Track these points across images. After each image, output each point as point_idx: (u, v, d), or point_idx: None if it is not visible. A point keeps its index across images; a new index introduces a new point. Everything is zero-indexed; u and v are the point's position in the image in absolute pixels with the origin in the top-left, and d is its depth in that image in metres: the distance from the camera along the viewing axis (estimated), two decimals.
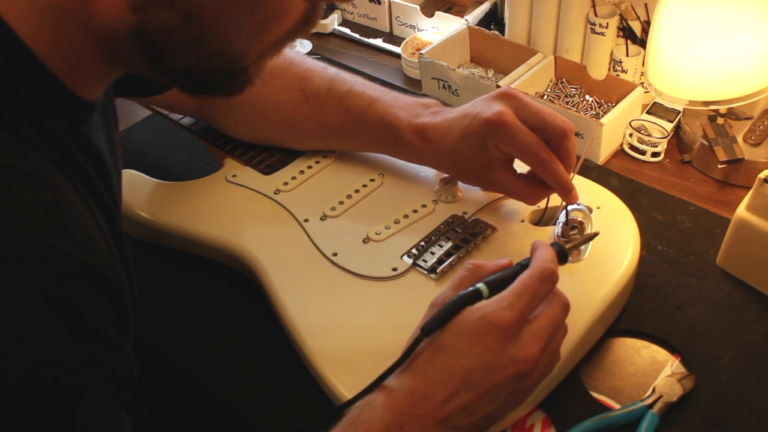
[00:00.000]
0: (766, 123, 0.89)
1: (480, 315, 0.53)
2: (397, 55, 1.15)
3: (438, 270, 0.69)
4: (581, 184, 0.77)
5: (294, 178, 0.80)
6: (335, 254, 0.72)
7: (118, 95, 0.70)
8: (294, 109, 0.79)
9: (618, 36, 0.97)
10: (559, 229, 0.71)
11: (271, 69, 0.78)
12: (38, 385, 0.38)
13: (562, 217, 0.71)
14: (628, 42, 0.97)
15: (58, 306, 0.39)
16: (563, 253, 0.59)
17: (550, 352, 0.55)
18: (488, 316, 0.52)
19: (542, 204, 0.74)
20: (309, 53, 1.16)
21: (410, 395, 0.52)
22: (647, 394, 0.64)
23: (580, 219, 0.69)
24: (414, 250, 0.71)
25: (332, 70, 0.80)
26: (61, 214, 0.42)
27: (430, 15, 1.16)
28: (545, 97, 1.00)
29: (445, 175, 0.78)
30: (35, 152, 0.43)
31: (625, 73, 0.97)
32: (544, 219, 0.75)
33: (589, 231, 0.70)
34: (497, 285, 0.55)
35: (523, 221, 0.74)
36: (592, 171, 0.86)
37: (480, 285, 0.55)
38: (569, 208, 0.70)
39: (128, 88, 0.73)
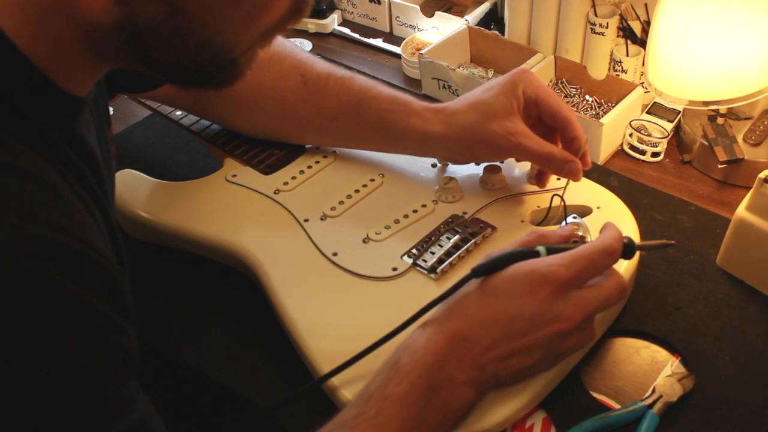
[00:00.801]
0: (766, 123, 0.89)
1: (534, 266, 0.54)
2: (397, 55, 1.15)
3: (438, 270, 0.69)
4: (581, 184, 0.77)
5: (294, 178, 0.80)
6: (335, 254, 0.72)
7: (113, 91, 0.70)
8: (292, 95, 0.78)
9: (618, 36, 0.97)
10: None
11: (270, 56, 0.78)
12: (42, 371, 0.39)
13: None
14: (628, 42, 0.97)
15: (52, 291, 0.40)
16: (631, 247, 0.59)
17: (589, 326, 0.56)
18: (542, 269, 0.53)
19: (543, 204, 0.74)
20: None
21: (451, 337, 0.53)
22: (647, 394, 0.64)
23: (581, 233, 0.69)
24: (414, 250, 0.71)
25: (329, 63, 0.81)
26: (50, 203, 0.43)
27: (430, 15, 1.16)
28: None
29: (446, 175, 0.78)
30: (23, 146, 0.43)
31: (625, 73, 0.97)
32: (545, 220, 0.75)
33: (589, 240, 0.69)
34: (556, 252, 0.56)
35: (523, 221, 0.74)
36: (592, 171, 0.86)
37: (540, 247, 0.55)
38: (568, 220, 0.70)
39: (122, 84, 0.73)
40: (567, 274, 0.53)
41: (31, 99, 0.45)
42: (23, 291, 0.39)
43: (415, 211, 0.76)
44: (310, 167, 0.82)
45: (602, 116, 0.91)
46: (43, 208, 0.42)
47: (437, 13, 1.15)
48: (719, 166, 0.86)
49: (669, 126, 0.92)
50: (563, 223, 0.70)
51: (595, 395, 0.65)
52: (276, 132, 0.83)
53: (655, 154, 0.91)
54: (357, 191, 0.79)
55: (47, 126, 0.46)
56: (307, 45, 1.19)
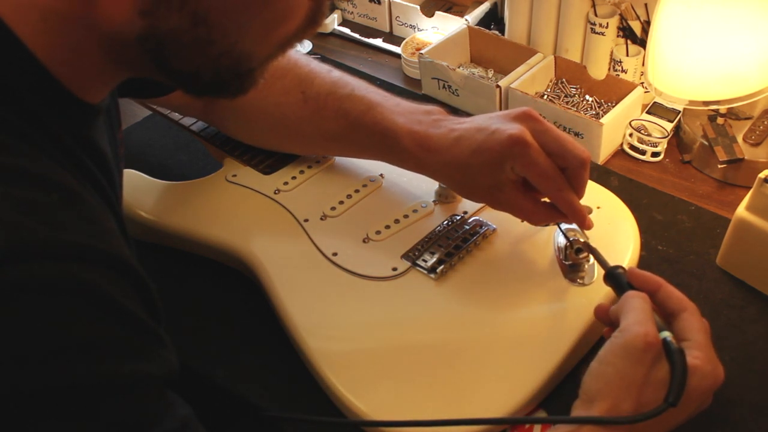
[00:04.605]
0: (766, 123, 0.89)
1: (705, 383, 0.56)
2: (397, 55, 1.15)
3: (438, 270, 0.69)
4: None
5: (294, 178, 0.80)
6: (335, 254, 0.72)
7: (123, 96, 0.70)
8: (293, 113, 0.77)
9: (618, 36, 0.97)
10: (562, 253, 0.70)
11: (273, 71, 0.77)
12: (79, 378, 0.38)
13: (560, 240, 0.70)
14: (628, 42, 0.97)
15: (94, 298, 0.40)
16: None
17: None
18: (710, 381, 0.56)
19: None
20: (309, 53, 1.16)
21: None
22: None
23: (582, 240, 0.68)
24: (414, 250, 0.71)
25: (336, 74, 0.78)
26: (77, 211, 0.42)
27: (430, 15, 1.16)
28: (545, 97, 1.00)
29: None
30: (43, 155, 0.43)
31: (625, 73, 0.97)
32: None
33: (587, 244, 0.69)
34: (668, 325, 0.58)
35: (523, 221, 0.74)
36: (592, 171, 0.85)
37: (668, 334, 0.56)
38: (562, 227, 0.70)
39: (133, 90, 0.73)
40: (721, 369, 0.57)
41: (46, 107, 0.45)
42: (63, 298, 0.38)
43: (415, 211, 0.76)
44: (310, 167, 0.82)
45: (602, 116, 0.91)
46: (71, 216, 0.41)
47: (437, 13, 1.15)
48: (719, 166, 0.86)
49: (669, 126, 0.92)
50: (557, 231, 0.70)
51: None
52: (281, 146, 0.83)
53: (655, 154, 0.91)
54: (357, 191, 0.79)
55: (62, 133, 0.46)
56: (307, 45, 1.19)
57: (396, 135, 0.71)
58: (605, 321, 0.61)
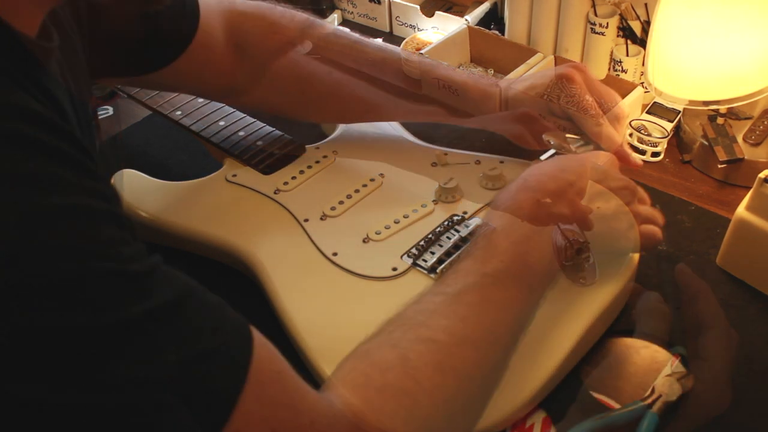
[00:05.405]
0: (766, 123, 0.89)
1: (707, 410, 0.58)
2: None
3: (438, 270, 0.69)
4: None
5: (294, 178, 0.80)
6: (335, 254, 0.72)
7: (116, 76, 0.69)
8: (294, 112, 0.82)
9: (618, 36, 0.97)
10: (562, 254, 0.70)
11: (274, 72, 0.78)
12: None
13: (559, 240, 0.70)
14: (628, 42, 0.97)
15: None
16: None
17: None
18: (713, 410, 0.58)
19: None
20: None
21: None
22: (647, 394, 0.64)
23: (582, 240, 0.68)
24: (414, 250, 0.71)
25: (336, 75, 0.80)
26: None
27: (430, 15, 1.16)
28: (545, 97, 0.99)
29: (445, 176, 0.78)
30: (47, 156, 0.43)
31: (625, 73, 0.97)
32: None
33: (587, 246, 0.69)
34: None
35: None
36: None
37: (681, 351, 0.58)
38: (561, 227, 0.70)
39: (122, 68, 0.72)
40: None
41: (46, 103, 0.45)
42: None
43: (415, 211, 0.76)
44: (310, 167, 0.82)
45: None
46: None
47: (437, 12, 1.15)
48: (719, 166, 0.86)
49: (669, 126, 0.92)
50: (556, 231, 0.70)
51: (595, 395, 0.65)
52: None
53: (655, 154, 0.91)
54: (357, 191, 0.79)
55: (62, 129, 0.46)
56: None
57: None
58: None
